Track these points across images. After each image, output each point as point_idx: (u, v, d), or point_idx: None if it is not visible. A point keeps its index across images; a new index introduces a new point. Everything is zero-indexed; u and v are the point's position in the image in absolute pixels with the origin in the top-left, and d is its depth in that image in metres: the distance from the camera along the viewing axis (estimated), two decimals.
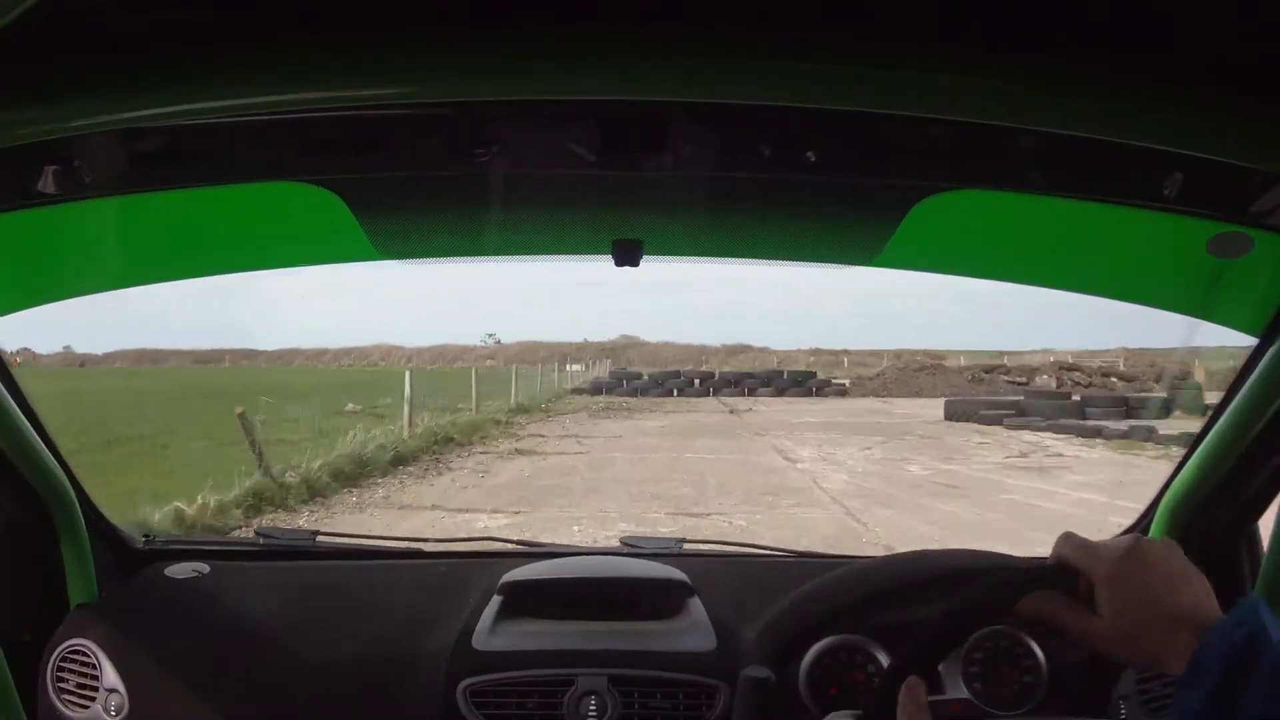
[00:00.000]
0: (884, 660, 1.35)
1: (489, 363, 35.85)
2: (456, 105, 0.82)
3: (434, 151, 0.95)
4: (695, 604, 1.51)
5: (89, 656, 1.41)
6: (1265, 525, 1.38)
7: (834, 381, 35.54)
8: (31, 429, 1.35)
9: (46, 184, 0.90)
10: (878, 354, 36.89)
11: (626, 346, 43.17)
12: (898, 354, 37.77)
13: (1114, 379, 30.96)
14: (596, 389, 33.74)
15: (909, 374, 33.64)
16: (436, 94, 0.72)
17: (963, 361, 34.74)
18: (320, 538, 1.78)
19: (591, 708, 1.33)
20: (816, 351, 38.57)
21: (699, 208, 1.17)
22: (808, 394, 33.90)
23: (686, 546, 1.79)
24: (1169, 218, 0.98)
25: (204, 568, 1.60)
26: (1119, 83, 0.70)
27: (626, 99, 0.76)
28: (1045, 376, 31.54)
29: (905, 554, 1.53)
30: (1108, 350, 36.38)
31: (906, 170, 0.98)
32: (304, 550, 1.75)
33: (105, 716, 1.39)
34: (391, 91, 0.72)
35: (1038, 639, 1.34)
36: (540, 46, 0.68)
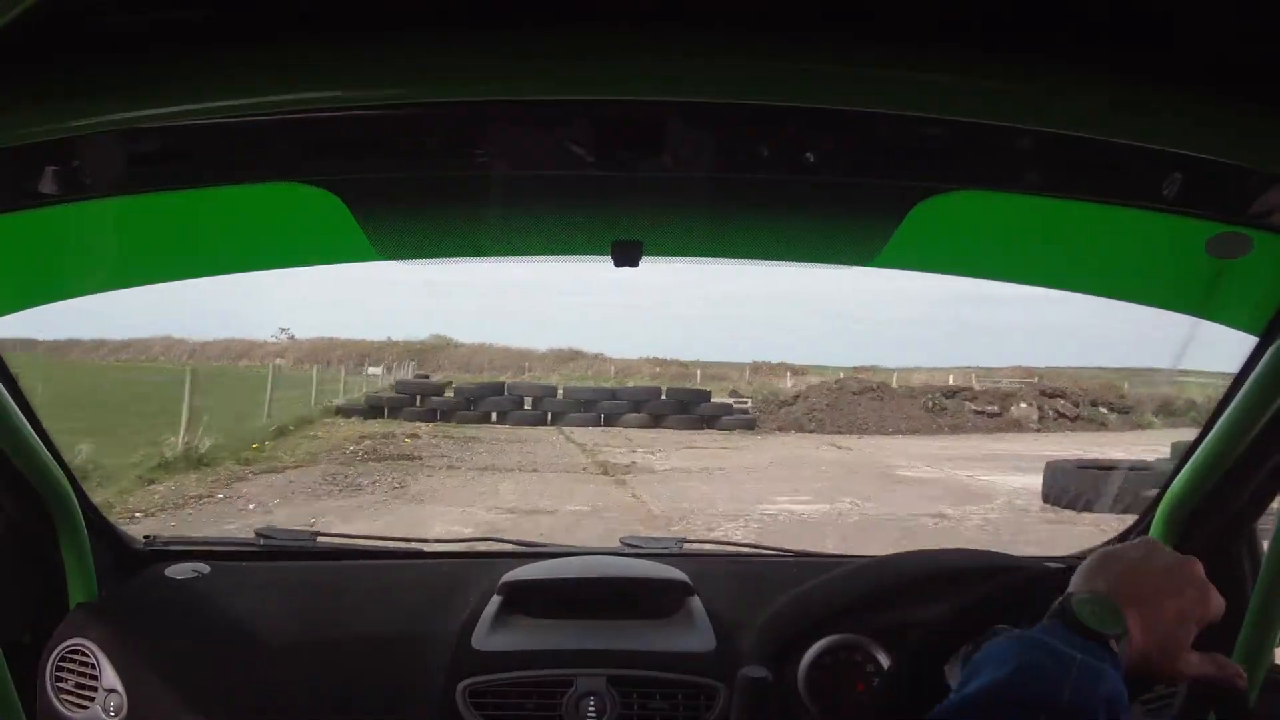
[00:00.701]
0: (884, 660, 1.35)
1: (278, 361, 28.82)
2: (456, 105, 0.82)
3: (434, 151, 0.95)
4: (695, 604, 1.51)
5: (88, 656, 1.41)
6: (1265, 525, 1.38)
7: (735, 407, 22.26)
8: (31, 429, 1.35)
9: (46, 184, 0.90)
10: (736, 366, 29.16)
11: (437, 348, 33.25)
12: (756, 366, 29.37)
13: (1103, 408, 23.77)
14: (374, 409, 19.95)
15: (845, 398, 22.63)
16: (436, 94, 0.72)
17: (842, 376, 25.43)
18: (320, 538, 1.78)
19: (590, 708, 1.33)
20: (660, 361, 29.45)
21: (699, 208, 1.17)
22: (697, 425, 20.61)
23: (686, 546, 1.79)
24: (1169, 218, 0.98)
25: (204, 568, 1.60)
26: (1119, 83, 0.70)
27: (626, 99, 0.76)
28: (1024, 405, 23.21)
29: (904, 553, 1.53)
30: (1001, 368, 28.29)
31: (906, 170, 0.98)
32: (304, 550, 1.75)
33: (104, 717, 1.39)
34: (391, 91, 0.72)
35: None
36: (540, 46, 0.68)
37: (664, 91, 0.72)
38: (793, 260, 1.32)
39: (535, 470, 12.94)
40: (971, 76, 0.69)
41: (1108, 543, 1.65)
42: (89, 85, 0.68)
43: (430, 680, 1.37)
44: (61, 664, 1.42)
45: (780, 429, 21.35)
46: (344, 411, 19.78)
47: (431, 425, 19.23)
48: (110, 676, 1.39)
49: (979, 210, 1.12)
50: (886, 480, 13.01)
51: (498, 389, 22.20)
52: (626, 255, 1.22)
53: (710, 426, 20.81)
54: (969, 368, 28.26)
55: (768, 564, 1.80)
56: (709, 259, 1.38)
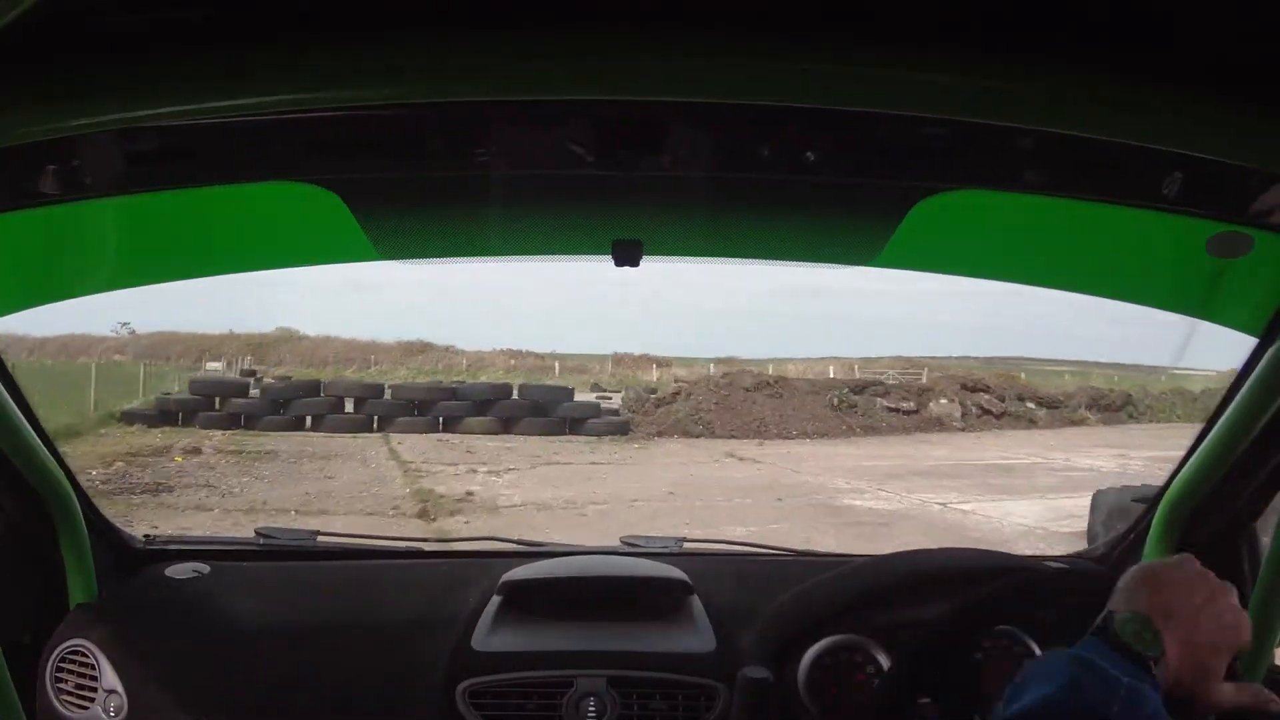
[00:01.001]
0: (884, 660, 1.35)
1: (117, 358, 25.97)
2: (456, 105, 0.82)
3: (434, 151, 0.95)
4: (695, 604, 1.50)
5: (88, 657, 1.41)
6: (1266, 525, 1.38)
7: (604, 407, 18.24)
8: (31, 429, 1.35)
9: (46, 184, 0.90)
10: (597, 358, 26.18)
11: (280, 341, 29.46)
12: (619, 359, 26.39)
13: (1029, 403, 20.41)
14: (165, 414, 16.47)
15: (737, 394, 18.44)
16: (436, 94, 0.72)
17: (712, 370, 21.42)
18: (320, 538, 1.78)
19: (590, 709, 1.32)
20: (516, 354, 26.05)
21: (699, 208, 1.17)
22: (558, 429, 16.81)
23: (686, 546, 1.78)
24: (1169, 218, 0.98)
25: (204, 568, 1.60)
26: (1119, 83, 0.70)
27: (626, 99, 0.76)
28: (944, 400, 19.69)
29: (904, 553, 1.53)
30: (881, 358, 24.66)
31: (906, 170, 0.98)
32: (304, 550, 1.75)
33: (104, 717, 1.39)
34: (391, 91, 0.72)
35: (1038, 639, 1.34)
36: (540, 46, 0.68)
37: (664, 91, 0.72)
38: (793, 260, 1.32)
39: (324, 512, 9.26)
40: (971, 76, 0.69)
41: (1109, 542, 1.65)
42: (89, 85, 0.68)
43: (430, 680, 1.37)
44: (61, 664, 1.42)
45: (660, 433, 17.22)
46: (130, 417, 16.41)
47: (227, 434, 15.53)
48: (110, 677, 1.39)
49: (979, 210, 1.12)
50: (835, 517, 9.41)
51: (312, 388, 17.77)
52: (627, 255, 1.22)
53: (575, 432, 16.86)
54: (849, 358, 24.90)
55: (768, 564, 1.80)
56: (710, 258, 1.38)
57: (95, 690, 1.40)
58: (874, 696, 1.31)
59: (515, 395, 17.86)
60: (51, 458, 1.41)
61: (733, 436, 17.30)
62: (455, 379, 21.02)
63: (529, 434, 16.60)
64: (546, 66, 0.69)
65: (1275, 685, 1.29)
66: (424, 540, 1.92)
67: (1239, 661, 0.85)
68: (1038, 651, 1.34)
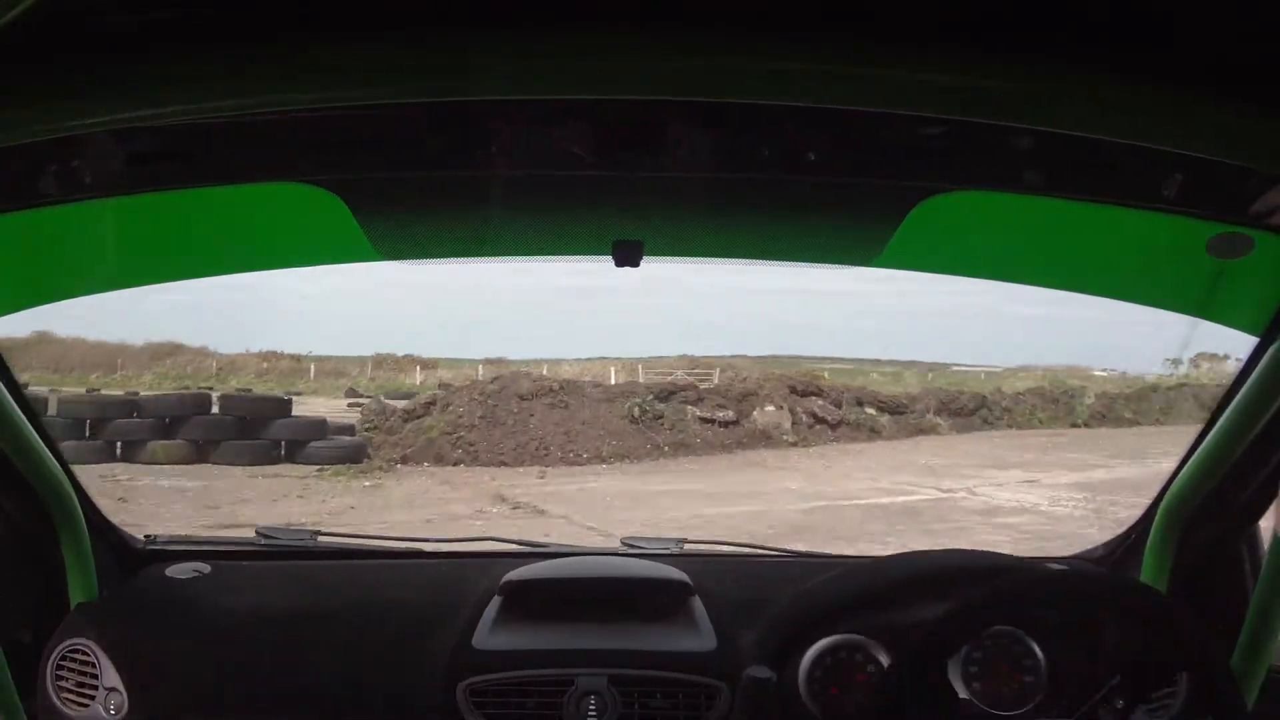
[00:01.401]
0: (884, 660, 1.35)
1: None
2: (456, 105, 0.82)
3: (434, 151, 0.95)
4: (695, 604, 1.51)
5: (89, 656, 1.41)
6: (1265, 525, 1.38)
7: (333, 424, 13.07)
8: (31, 429, 1.35)
9: (47, 184, 0.90)
10: (358, 361, 24.10)
11: (31, 344, 19.68)
12: (380, 360, 23.79)
13: (870, 409, 16.19)
14: None
15: (509, 404, 13.89)
16: (436, 94, 0.72)
17: (481, 372, 16.93)
18: (321, 538, 1.78)
19: (591, 708, 1.33)
20: (270, 355, 23.64)
21: (700, 208, 1.17)
22: (269, 457, 11.98)
23: (687, 547, 1.78)
24: (1169, 218, 0.99)
25: (204, 568, 1.60)
26: (1119, 83, 0.70)
27: (627, 99, 0.76)
28: (770, 408, 15.15)
29: (904, 553, 1.53)
30: (665, 357, 20.34)
31: (907, 170, 0.98)
32: (304, 550, 1.75)
33: (105, 716, 1.39)
34: (391, 91, 0.72)
35: (1038, 639, 1.34)
36: (540, 46, 0.68)
37: (664, 91, 0.72)
38: (793, 260, 1.32)
39: None
40: (971, 76, 0.69)
41: (1108, 544, 1.64)
42: (89, 85, 0.68)
43: (431, 679, 1.37)
44: (62, 664, 1.42)
45: (406, 459, 12.51)
46: None
47: None
48: (111, 676, 1.39)
49: (979, 210, 1.12)
50: None
51: None
52: (627, 255, 1.22)
53: (292, 459, 12.16)
54: (629, 358, 19.99)
55: (768, 564, 1.80)
56: (710, 259, 1.38)
57: (96, 689, 1.40)
58: (874, 696, 1.31)
59: (215, 409, 12.93)
60: (52, 458, 1.41)
61: (503, 463, 12.49)
62: (202, 384, 16.43)
63: (232, 463, 11.81)
64: (546, 66, 0.69)
65: (1275, 685, 1.29)
66: (424, 540, 1.92)
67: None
68: (1037, 651, 1.34)
